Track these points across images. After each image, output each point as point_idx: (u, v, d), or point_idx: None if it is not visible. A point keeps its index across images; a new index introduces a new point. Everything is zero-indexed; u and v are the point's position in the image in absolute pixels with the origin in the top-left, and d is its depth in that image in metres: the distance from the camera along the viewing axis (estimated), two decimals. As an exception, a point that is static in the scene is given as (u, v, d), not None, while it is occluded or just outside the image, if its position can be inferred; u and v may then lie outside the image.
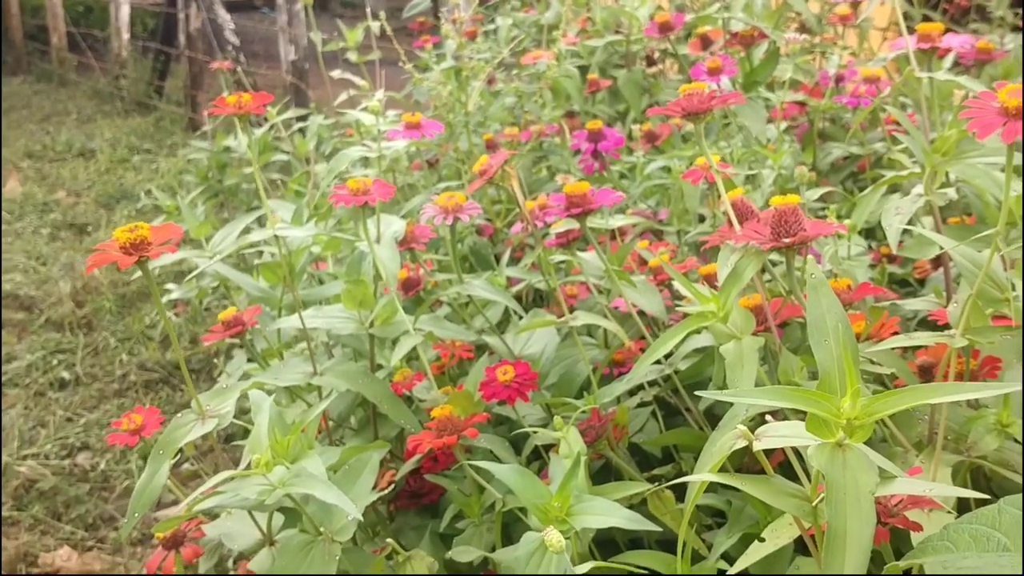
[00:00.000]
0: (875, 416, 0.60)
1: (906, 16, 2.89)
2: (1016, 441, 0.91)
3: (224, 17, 5.08)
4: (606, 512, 0.92)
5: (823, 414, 0.60)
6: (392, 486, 1.17)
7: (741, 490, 0.77)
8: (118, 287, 3.56)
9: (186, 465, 2.33)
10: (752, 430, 0.95)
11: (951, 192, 1.00)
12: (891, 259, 1.58)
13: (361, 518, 0.96)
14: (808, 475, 0.82)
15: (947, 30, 1.28)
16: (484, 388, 1.14)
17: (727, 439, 0.71)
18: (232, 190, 2.69)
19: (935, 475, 0.84)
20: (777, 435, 0.69)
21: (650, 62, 2.31)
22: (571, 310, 1.30)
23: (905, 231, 1.01)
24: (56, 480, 2.50)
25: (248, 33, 5.94)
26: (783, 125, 1.76)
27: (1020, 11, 2.45)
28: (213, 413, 1.05)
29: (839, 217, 1.37)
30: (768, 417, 0.78)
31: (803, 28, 2.31)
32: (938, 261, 1.26)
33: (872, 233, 1.71)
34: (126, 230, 0.95)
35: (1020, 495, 0.63)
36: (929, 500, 0.68)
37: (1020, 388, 0.70)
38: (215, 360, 2.82)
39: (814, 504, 0.68)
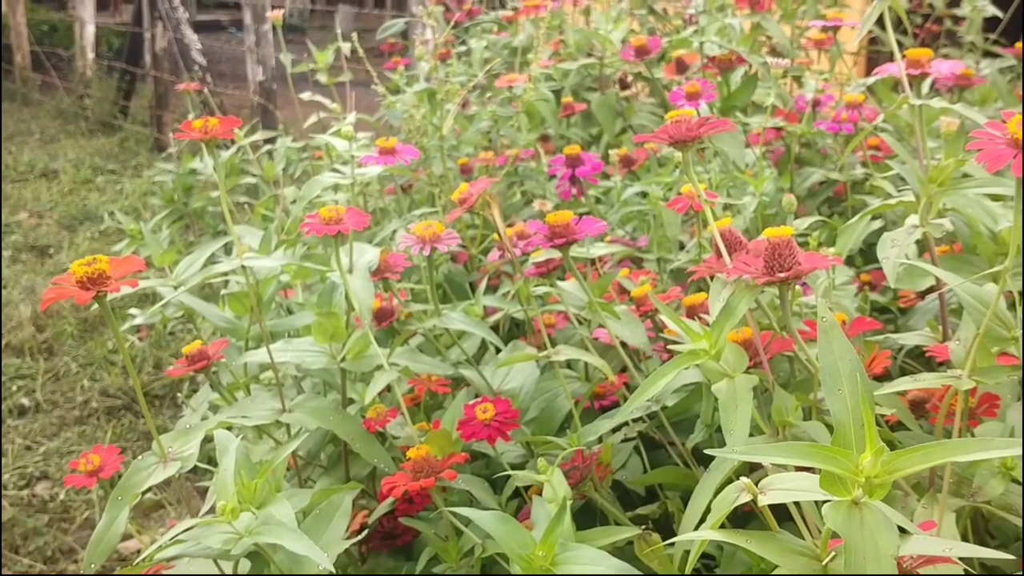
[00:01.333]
0: (897, 474, 0.55)
1: (875, 40, 2.89)
2: (1018, 483, 0.87)
3: (191, 37, 4.99)
4: (593, 562, 0.87)
5: (841, 472, 0.55)
6: (365, 530, 1.11)
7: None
8: (80, 310, 3.46)
9: (148, 494, 2.25)
10: (745, 473, 0.90)
11: (947, 223, 0.96)
12: (872, 286, 1.54)
13: (333, 569, 0.90)
14: (806, 520, 0.77)
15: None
16: (463, 427, 1.08)
17: (729, 492, 0.66)
18: (198, 213, 2.62)
19: (941, 522, 0.79)
20: (783, 488, 0.64)
21: (623, 85, 2.27)
22: (549, 340, 1.25)
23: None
24: (14, 511, 2.40)
25: (215, 53, 5.86)
26: (759, 150, 1.73)
27: (989, 37, 2.44)
28: (175, 456, 0.98)
29: (819, 244, 1.33)
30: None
31: (774, 52, 2.28)
32: (928, 291, 1.22)
33: (851, 260, 1.67)
34: (84, 263, 0.89)
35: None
36: (945, 559, 0.63)
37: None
38: (180, 386, 2.74)
39: (824, 563, 0.63)
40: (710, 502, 0.79)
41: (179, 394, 2.01)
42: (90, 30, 6.52)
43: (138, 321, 2.08)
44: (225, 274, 1.22)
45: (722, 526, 0.69)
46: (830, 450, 0.56)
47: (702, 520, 0.80)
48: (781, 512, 0.73)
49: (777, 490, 0.64)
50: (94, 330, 3.37)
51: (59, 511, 2.44)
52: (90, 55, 6.54)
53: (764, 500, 0.63)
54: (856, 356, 0.61)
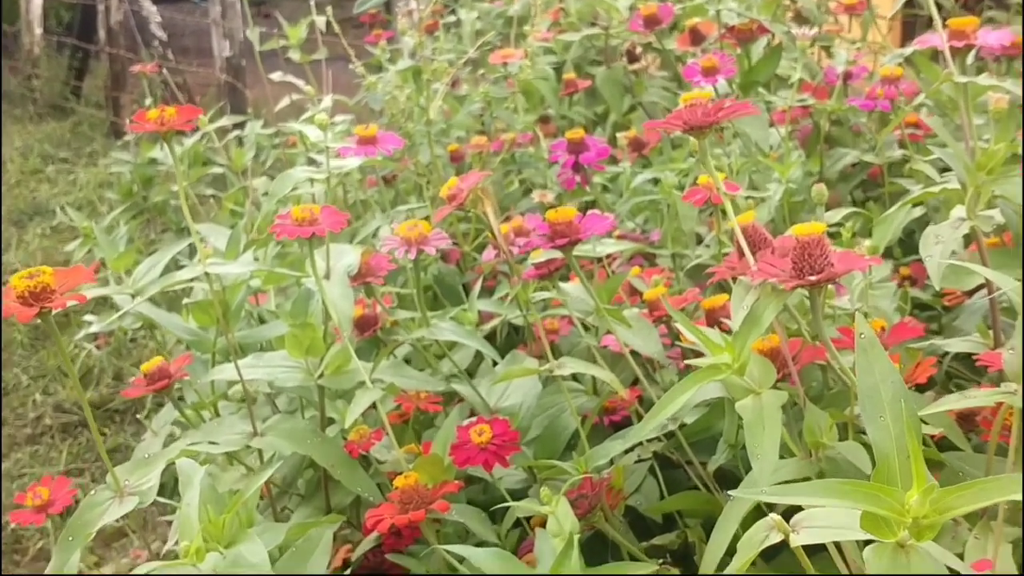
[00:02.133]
0: (948, 514, 0.53)
1: (911, 3, 2.86)
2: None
3: (149, 9, 4.97)
4: (605, 604, 0.86)
5: (885, 512, 0.53)
6: (348, 567, 1.09)
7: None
8: (31, 317, 3.44)
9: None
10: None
11: (997, 215, 0.94)
12: (913, 281, 1.53)
13: (312, 614, 0.88)
14: (843, 554, 0.76)
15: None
16: (456, 451, 1.06)
17: (758, 530, 0.64)
18: (160, 207, 2.60)
19: (996, 555, 0.78)
20: (818, 526, 0.62)
21: (631, 58, 2.25)
22: (552, 348, 1.23)
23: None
24: (-41, 543, 2.39)
25: (177, 26, 5.83)
26: (784, 130, 1.71)
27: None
28: (133, 489, 0.97)
29: (853, 235, 1.32)
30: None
31: (799, 18, 2.26)
32: (976, 288, 1.20)
33: (889, 251, 1.65)
34: (24, 276, 0.88)
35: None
36: (1004, 602, 0.62)
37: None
38: (143, 400, 2.72)
39: (866, 610, 0.62)
40: (735, 533, 0.77)
41: (139, 415, 2.00)
42: (37, 3, 6.48)
43: (94, 329, 2.06)
44: (188, 281, 1.21)
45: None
46: (872, 487, 0.54)
47: (727, 555, 0.79)
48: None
49: (811, 528, 0.62)
50: (46, 338, 3.35)
51: (10, 542, 2.43)
52: (37, 30, 6.50)
53: (797, 540, 0.62)
54: (899, 377, 0.59)
